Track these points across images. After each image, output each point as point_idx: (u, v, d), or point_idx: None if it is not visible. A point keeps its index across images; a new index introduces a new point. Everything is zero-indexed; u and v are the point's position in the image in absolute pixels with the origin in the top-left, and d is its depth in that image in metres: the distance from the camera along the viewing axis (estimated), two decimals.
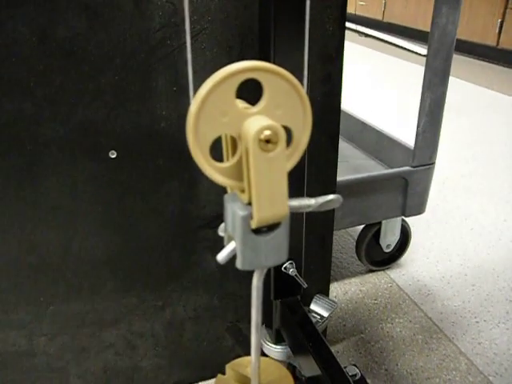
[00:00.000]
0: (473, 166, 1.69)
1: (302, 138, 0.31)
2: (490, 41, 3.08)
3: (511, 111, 2.26)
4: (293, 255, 0.65)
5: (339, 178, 0.92)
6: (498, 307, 1.02)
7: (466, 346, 0.91)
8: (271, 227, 0.31)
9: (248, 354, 0.51)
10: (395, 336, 0.94)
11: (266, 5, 0.54)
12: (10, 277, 0.64)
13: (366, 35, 4.03)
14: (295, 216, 0.63)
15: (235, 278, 0.76)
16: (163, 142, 0.63)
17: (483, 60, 3.19)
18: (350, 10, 4.52)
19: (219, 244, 0.72)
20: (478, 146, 1.86)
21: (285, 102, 0.29)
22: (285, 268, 0.65)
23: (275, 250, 0.32)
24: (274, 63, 0.53)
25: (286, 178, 0.29)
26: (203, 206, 0.69)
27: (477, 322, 0.97)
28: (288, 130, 0.30)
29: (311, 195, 0.74)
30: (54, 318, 0.69)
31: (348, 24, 4.28)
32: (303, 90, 0.29)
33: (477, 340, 0.93)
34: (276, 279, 0.66)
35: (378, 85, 2.65)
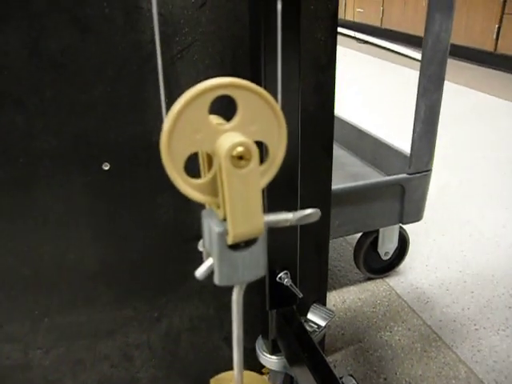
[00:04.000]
0: (471, 172, 1.69)
1: (278, 153, 0.31)
2: (488, 46, 3.09)
3: (509, 116, 2.26)
4: (287, 265, 0.65)
5: (336, 186, 0.92)
6: (498, 314, 1.01)
7: (466, 354, 0.91)
8: (248, 243, 0.31)
9: (245, 366, 0.51)
10: (394, 344, 0.93)
11: (256, 17, 0.54)
12: (4, 289, 0.64)
13: (365, 42, 4.04)
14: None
15: (231, 288, 0.75)
16: (156, 153, 0.63)
17: (481, 65, 3.20)
18: (349, 17, 4.55)
19: None
20: (476, 151, 1.86)
21: (259, 117, 0.29)
22: (279, 278, 0.64)
23: (253, 265, 0.32)
24: (265, 74, 0.54)
25: (261, 194, 0.30)
26: (197, 217, 0.69)
27: (476, 330, 0.97)
28: (262, 145, 0.30)
29: (305, 205, 0.74)
30: (49, 330, 0.69)
31: (346, 31, 4.30)
32: (277, 106, 0.29)
33: (476, 347, 0.92)
34: (271, 289, 0.65)
35: (376, 91, 2.65)
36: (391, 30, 3.96)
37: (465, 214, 1.41)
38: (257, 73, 0.56)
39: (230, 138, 0.28)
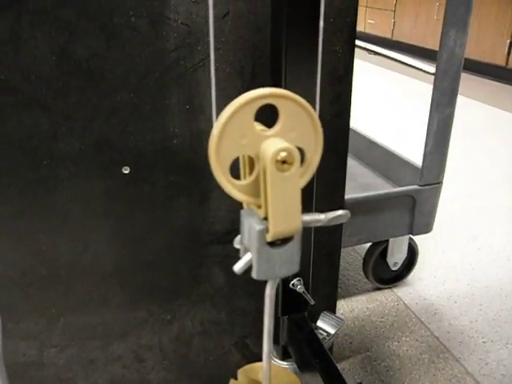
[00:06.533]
0: (481, 185, 1.69)
1: (314, 157, 0.33)
2: (499, 61, 3.09)
3: None
4: (300, 272, 0.66)
5: (347, 196, 0.93)
6: (506, 327, 1.01)
7: (473, 367, 0.91)
8: (285, 240, 0.33)
9: None
10: (401, 355, 0.94)
11: (277, 28, 0.56)
12: (22, 288, 0.66)
13: (375, 53, 4.07)
14: (303, 233, 0.64)
15: (243, 293, 0.76)
16: (175, 158, 0.65)
17: (492, 79, 3.20)
18: (360, 28, 4.57)
19: (228, 259, 0.73)
20: (486, 165, 1.86)
21: (298, 125, 0.32)
22: (292, 284, 0.65)
23: (288, 262, 0.34)
24: (285, 83, 0.55)
25: (300, 195, 0.32)
26: (212, 222, 0.70)
27: (484, 342, 0.97)
28: (301, 151, 0.32)
29: (320, 212, 0.75)
30: (63, 329, 0.70)
31: (357, 42, 4.31)
32: (316, 115, 0.31)
33: (484, 360, 0.93)
34: (284, 295, 0.66)
35: (387, 102, 2.66)
36: (402, 42, 3.98)
37: (474, 227, 1.42)
38: (277, 82, 0.58)
39: (273, 143, 0.30)
